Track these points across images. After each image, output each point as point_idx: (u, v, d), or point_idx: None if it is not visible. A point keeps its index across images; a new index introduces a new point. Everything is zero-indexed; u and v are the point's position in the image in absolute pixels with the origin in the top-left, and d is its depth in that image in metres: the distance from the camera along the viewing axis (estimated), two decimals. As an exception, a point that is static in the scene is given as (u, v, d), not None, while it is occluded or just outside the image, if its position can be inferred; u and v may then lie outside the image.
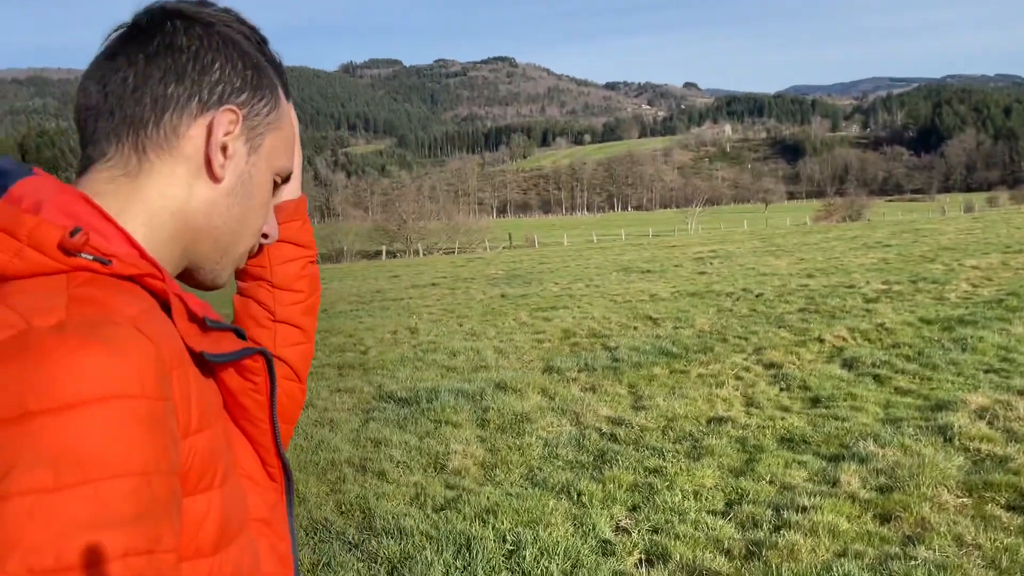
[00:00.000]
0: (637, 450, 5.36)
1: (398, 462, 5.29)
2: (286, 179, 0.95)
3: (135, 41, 0.82)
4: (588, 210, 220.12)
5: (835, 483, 4.51)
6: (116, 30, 0.85)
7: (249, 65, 0.85)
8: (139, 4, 0.86)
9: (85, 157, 0.83)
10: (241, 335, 0.82)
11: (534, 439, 5.65)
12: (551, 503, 4.41)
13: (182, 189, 0.82)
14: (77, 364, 0.60)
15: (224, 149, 0.83)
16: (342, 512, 4.53)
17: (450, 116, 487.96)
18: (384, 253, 49.55)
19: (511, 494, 4.63)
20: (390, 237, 53.56)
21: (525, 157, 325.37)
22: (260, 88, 0.86)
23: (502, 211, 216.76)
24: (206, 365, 0.77)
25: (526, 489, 4.74)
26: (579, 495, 4.53)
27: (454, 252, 49.39)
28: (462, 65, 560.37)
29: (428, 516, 4.36)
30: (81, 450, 0.58)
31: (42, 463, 0.57)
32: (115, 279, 0.70)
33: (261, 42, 0.89)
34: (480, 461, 5.27)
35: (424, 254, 48.96)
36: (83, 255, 0.68)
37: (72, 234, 0.67)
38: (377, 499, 4.65)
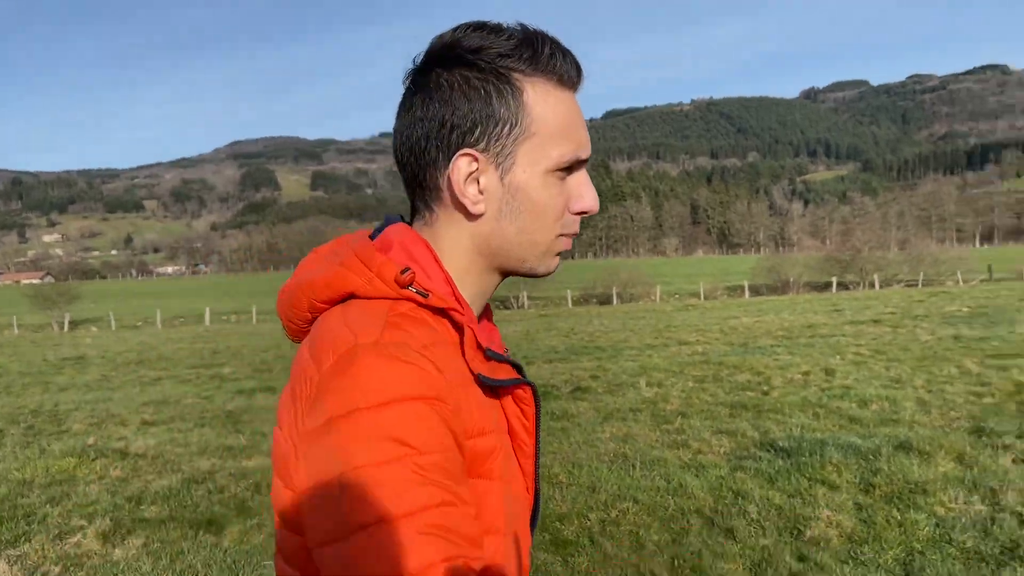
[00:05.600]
0: (1067, 550, 4.12)
1: (752, 520, 4.79)
2: (577, 162, 0.93)
3: (403, 99, 0.93)
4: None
5: None
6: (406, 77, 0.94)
7: (476, 98, 0.87)
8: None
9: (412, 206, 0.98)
10: (519, 369, 0.95)
11: (925, 515, 4.69)
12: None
13: (460, 231, 0.92)
14: (390, 374, 0.77)
15: (475, 186, 0.89)
16: (673, 567, 4.23)
17: (924, 135, 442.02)
18: (834, 285, 46.44)
19: (871, 580, 3.88)
20: (841, 268, 49.93)
21: (1019, 176, 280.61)
22: (492, 116, 0.87)
23: (987, 238, 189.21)
24: (494, 390, 0.91)
25: (895, 577, 3.94)
26: (960, 597, 3.62)
27: (916, 285, 44.31)
28: (940, 79, 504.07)
29: (763, 589, 3.86)
30: (401, 433, 0.75)
31: (379, 440, 0.74)
32: (427, 310, 0.87)
33: (502, 55, 0.87)
34: (847, 532, 4.53)
35: (880, 287, 44.77)
36: (411, 288, 0.87)
37: (403, 272, 0.86)
38: (714, 559, 4.26)
